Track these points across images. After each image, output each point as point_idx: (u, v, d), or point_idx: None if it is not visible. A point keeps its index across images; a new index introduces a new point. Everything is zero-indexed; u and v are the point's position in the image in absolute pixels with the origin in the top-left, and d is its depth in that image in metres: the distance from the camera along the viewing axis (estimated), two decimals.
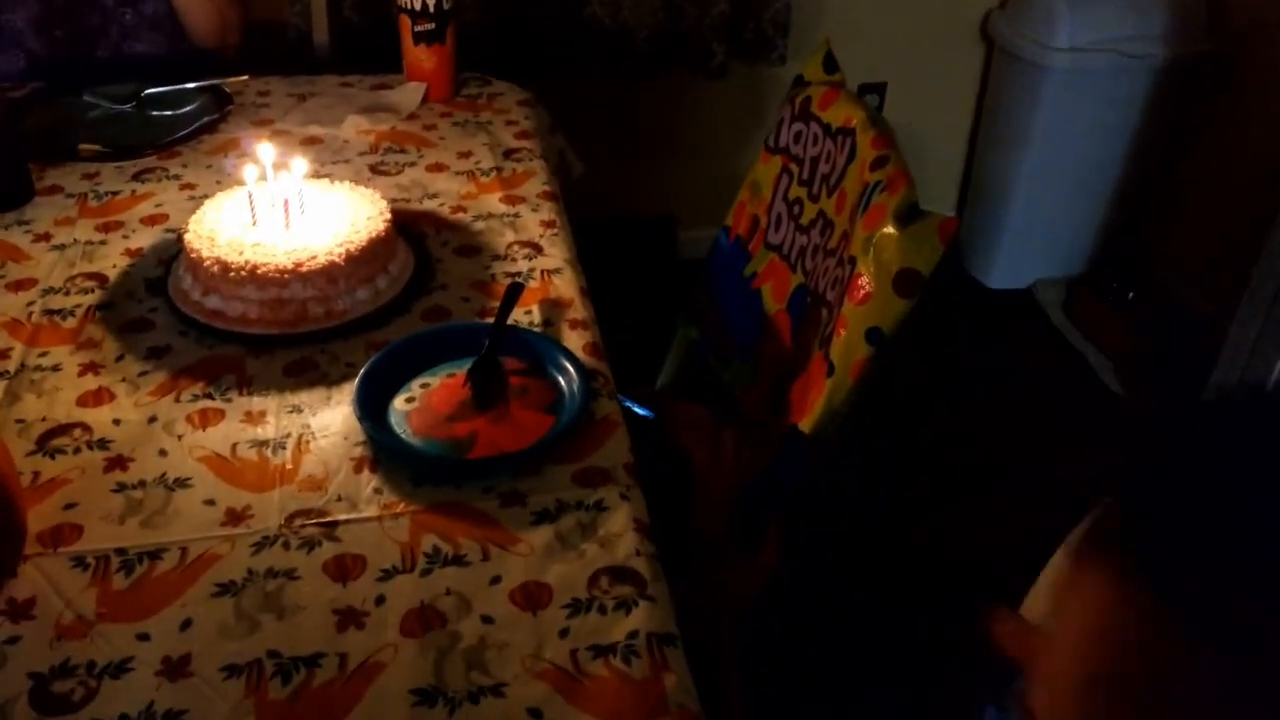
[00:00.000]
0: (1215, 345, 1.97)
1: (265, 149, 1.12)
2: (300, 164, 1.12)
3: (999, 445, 2.15)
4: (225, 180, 1.33)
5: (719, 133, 2.46)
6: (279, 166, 1.12)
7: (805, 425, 1.08)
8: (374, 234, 1.10)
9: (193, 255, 1.07)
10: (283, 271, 1.04)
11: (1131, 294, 2.40)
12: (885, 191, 1.04)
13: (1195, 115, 2.41)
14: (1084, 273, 2.57)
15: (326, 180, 1.20)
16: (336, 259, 1.06)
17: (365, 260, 1.09)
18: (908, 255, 0.99)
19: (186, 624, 0.78)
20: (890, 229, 1.00)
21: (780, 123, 1.33)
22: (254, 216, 1.10)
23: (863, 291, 1.02)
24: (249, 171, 1.11)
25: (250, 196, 1.11)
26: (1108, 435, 2.17)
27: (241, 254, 1.05)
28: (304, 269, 1.05)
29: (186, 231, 1.10)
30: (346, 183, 1.20)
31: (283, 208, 1.10)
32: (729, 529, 1.27)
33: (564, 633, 0.78)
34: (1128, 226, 2.55)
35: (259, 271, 1.04)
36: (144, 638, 0.76)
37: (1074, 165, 2.41)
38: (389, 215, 1.14)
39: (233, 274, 1.04)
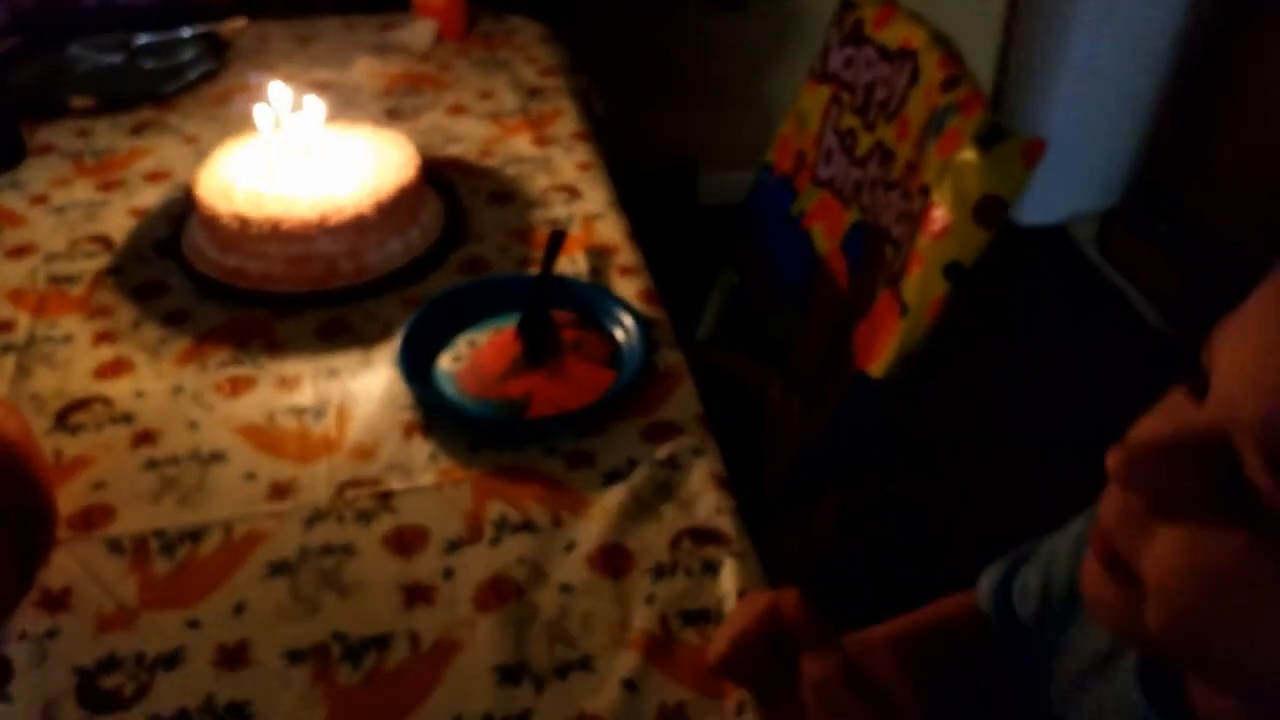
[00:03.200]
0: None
1: (279, 89, 1.03)
2: (317, 105, 1.03)
3: (1038, 386, 2.09)
4: (231, 131, 1.24)
5: (739, 69, 2.35)
6: (294, 109, 1.03)
7: (876, 370, 1.01)
8: (404, 181, 1.01)
9: (207, 211, 0.98)
10: (308, 225, 0.96)
11: (1166, 226, 2.32)
12: (960, 114, 0.96)
13: (1236, 40, 2.32)
14: (1118, 206, 2.49)
15: (344, 124, 1.11)
16: (365, 210, 0.98)
17: (396, 210, 1.00)
18: (990, 181, 0.91)
19: (240, 608, 0.71)
20: (970, 154, 0.92)
21: (827, 48, 1.25)
22: (270, 166, 1.02)
23: (939, 224, 0.95)
24: (262, 115, 1.02)
25: (265, 145, 1.03)
26: (1149, 370, 2.12)
27: (261, 207, 0.97)
28: (331, 222, 0.97)
29: (197, 185, 1.01)
30: (367, 126, 1.11)
31: (302, 155, 1.02)
32: (785, 486, 1.21)
33: (650, 599, 0.72)
34: (1163, 157, 2.47)
35: (282, 226, 0.96)
36: (194, 625, 0.70)
37: (1108, 94, 2.33)
38: (418, 160, 1.05)
39: (254, 230, 0.96)
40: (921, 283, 0.96)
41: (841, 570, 1.44)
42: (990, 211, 0.92)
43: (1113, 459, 0.43)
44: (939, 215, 0.95)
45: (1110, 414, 2.08)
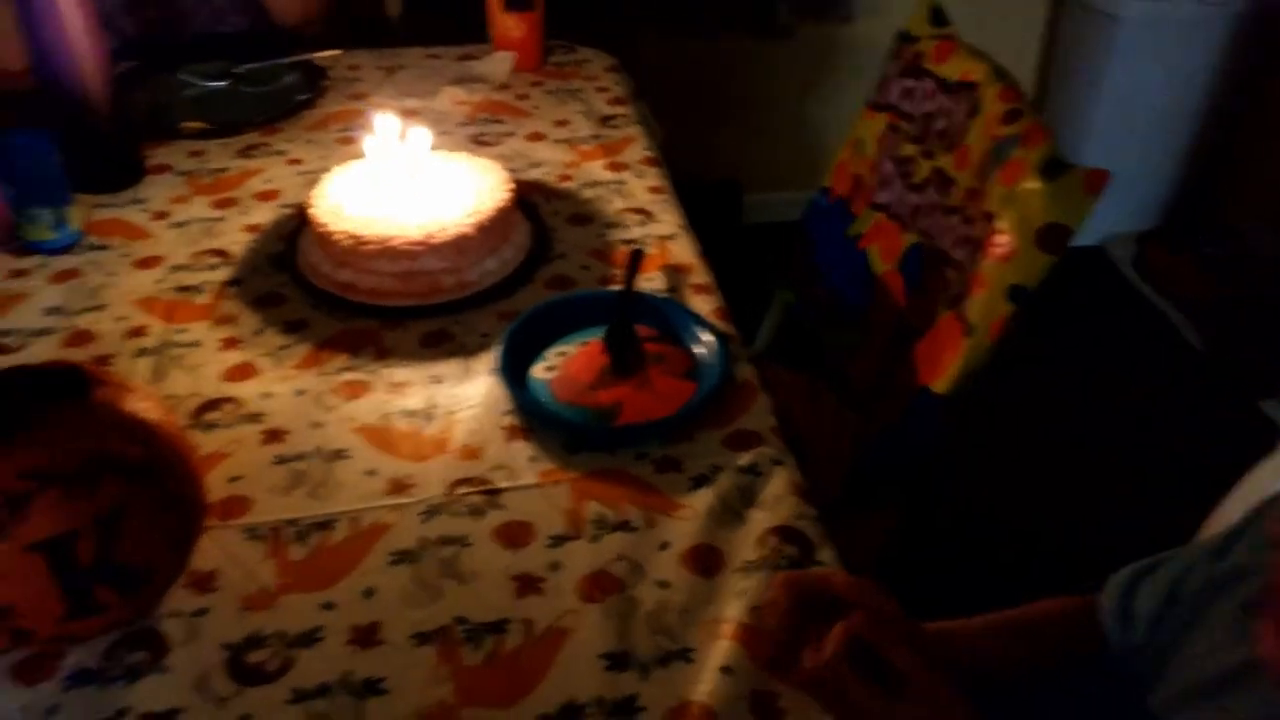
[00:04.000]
0: None
1: (388, 120, 1.11)
2: (423, 135, 1.11)
3: (1082, 408, 2.13)
4: (331, 155, 1.33)
5: (784, 94, 2.43)
6: (400, 138, 1.12)
7: (940, 386, 1.08)
8: (500, 204, 1.09)
9: (321, 230, 1.07)
10: (414, 244, 1.04)
11: (1206, 245, 2.36)
12: (1023, 145, 1.03)
13: (1271, 61, 2.35)
14: (1155, 226, 2.54)
15: (443, 151, 1.19)
16: (467, 230, 1.06)
17: (493, 230, 1.08)
18: (1053, 210, 0.98)
19: (369, 592, 0.78)
20: (1034, 183, 0.99)
21: (886, 79, 1.32)
22: (379, 189, 1.10)
23: (1003, 249, 1.01)
24: (371, 144, 1.10)
25: (370, 170, 1.11)
26: (1187, 386, 2.15)
27: (372, 227, 1.05)
28: (435, 240, 1.05)
29: (311, 207, 1.09)
30: (463, 153, 1.19)
31: (408, 180, 1.10)
32: (840, 496, 1.27)
33: (741, 593, 0.78)
34: (1200, 177, 2.51)
35: (391, 244, 1.04)
36: (329, 607, 0.77)
37: (1146, 118, 2.38)
38: (512, 185, 1.13)
39: (365, 247, 1.04)
40: (986, 304, 1.03)
41: (893, 580, 1.49)
42: (1053, 238, 0.98)
43: None
44: (1003, 240, 1.02)
45: (1150, 429, 2.14)
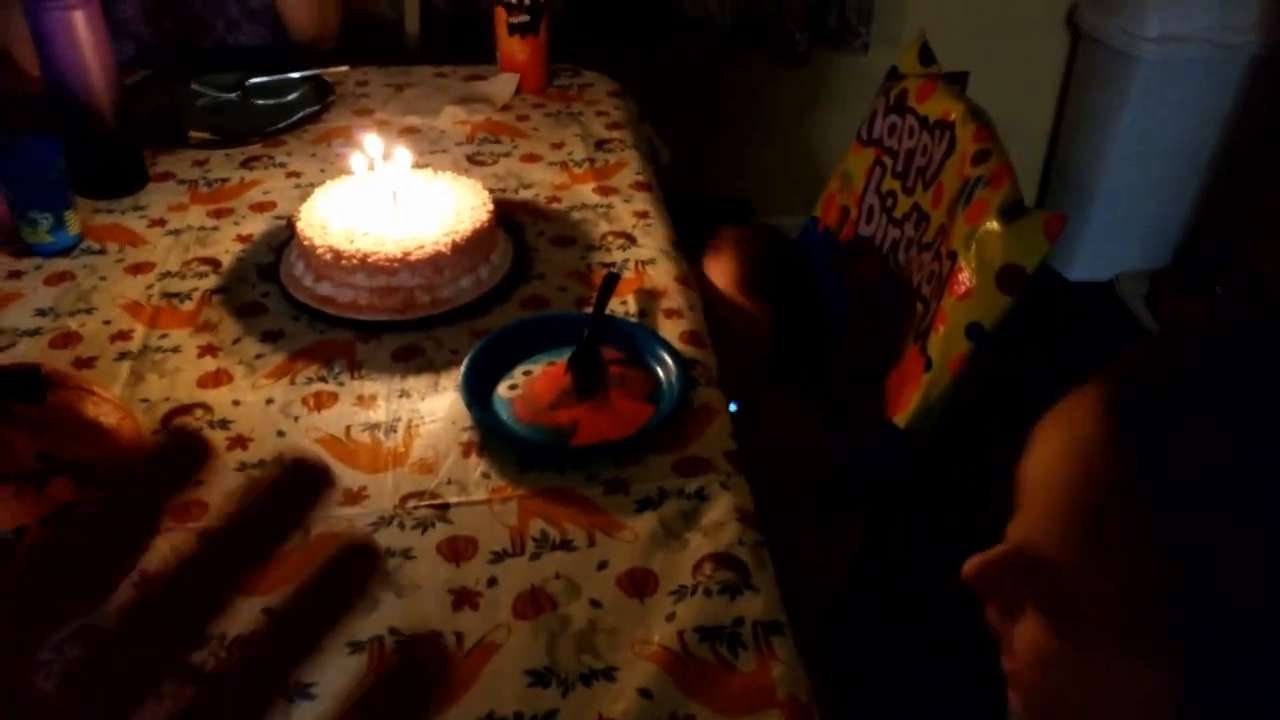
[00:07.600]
0: None
1: (372, 140, 1.15)
2: (405, 155, 1.15)
3: None
4: (329, 169, 1.37)
5: (799, 120, 2.46)
6: (385, 157, 1.15)
7: (900, 419, 1.09)
8: (478, 224, 1.12)
9: (305, 243, 1.10)
10: (392, 260, 1.07)
11: (1219, 288, 2.34)
12: (988, 186, 1.04)
13: None
14: (1168, 266, 2.52)
15: (429, 170, 1.23)
16: (443, 248, 1.09)
17: (469, 250, 1.11)
18: (1011, 252, 0.99)
19: None
20: (994, 224, 1.00)
21: (874, 115, 1.33)
22: (363, 206, 1.14)
23: (964, 287, 1.02)
24: (357, 161, 1.14)
25: (359, 186, 1.15)
26: None
27: (352, 242, 1.08)
28: (412, 258, 1.08)
29: (298, 220, 1.13)
30: (449, 173, 1.22)
31: (391, 198, 1.13)
32: (813, 512, 1.28)
33: (670, 617, 0.80)
34: (1215, 219, 2.49)
35: (369, 260, 1.07)
36: (269, 613, 0.80)
37: (1161, 157, 2.36)
38: (491, 206, 1.16)
39: (344, 262, 1.07)
40: (945, 340, 1.04)
41: (869, 591, 1.50)
42: (1011, 279, 0.99)
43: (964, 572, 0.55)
44: (964, 279, 1.03)
45: None
